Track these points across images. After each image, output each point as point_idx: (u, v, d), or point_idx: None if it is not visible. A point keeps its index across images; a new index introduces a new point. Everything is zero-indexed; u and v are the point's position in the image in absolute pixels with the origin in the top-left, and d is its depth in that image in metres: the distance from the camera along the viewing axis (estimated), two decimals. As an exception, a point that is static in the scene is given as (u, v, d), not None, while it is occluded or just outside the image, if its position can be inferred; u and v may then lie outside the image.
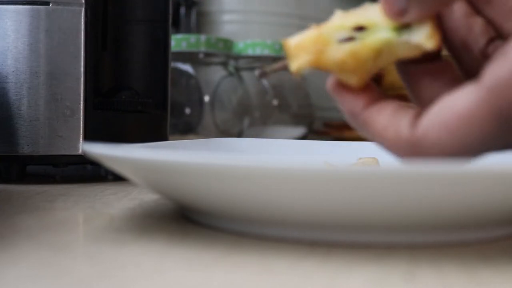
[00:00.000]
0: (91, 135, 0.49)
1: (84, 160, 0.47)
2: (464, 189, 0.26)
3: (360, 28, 0.29)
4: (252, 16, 1.03)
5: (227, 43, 0.89)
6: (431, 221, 0.28)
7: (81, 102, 0.49)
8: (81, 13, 0.48)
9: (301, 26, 1.04)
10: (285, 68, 0.30)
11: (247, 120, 0.91)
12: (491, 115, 0.26)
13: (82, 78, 0.49)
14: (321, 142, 0.54)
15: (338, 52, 0.28)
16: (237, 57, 0.93)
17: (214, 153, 0.47)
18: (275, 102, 0.94)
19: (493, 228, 0.30)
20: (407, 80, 0.31)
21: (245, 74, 0.93)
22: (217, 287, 0.22)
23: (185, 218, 0.34)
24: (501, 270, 0.25)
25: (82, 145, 0.41)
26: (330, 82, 0.30)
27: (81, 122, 0.49)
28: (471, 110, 0.26)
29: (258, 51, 0.92)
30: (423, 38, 0.28)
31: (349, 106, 0.30)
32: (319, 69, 0.29)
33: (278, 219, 0.28)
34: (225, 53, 0.89)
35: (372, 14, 0.29)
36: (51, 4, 0.48)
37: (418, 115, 0.29)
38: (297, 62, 0.29)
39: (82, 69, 0.48)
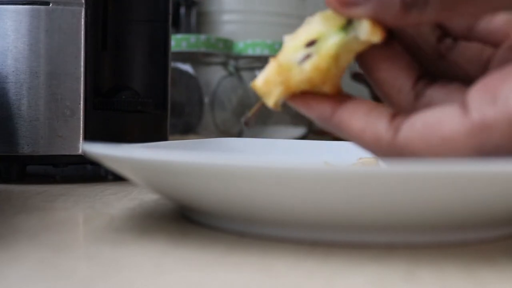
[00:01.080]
0: (91, 135, 0.49)
1: (84, 160, 0.47)
2: (464, 189, 0.26)
3: (311, 43, 0.29)
4: (252, 16, 1.03)
5: (227, 43, 0.89)
6: (431, 221, 0.28)
7: (81, 102, 0.49)
8: (81, 13, 0.48)
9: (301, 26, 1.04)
10: (262, 107, 0.31)
11: (247, 120, 0.91)
12: (473, 148, 0.27)
13: (82, 78, 0.48)
14: (321, 142, 0.54)
15: (302, 73, 0.29)
16: (237, 57, 0.93)
17: (214, 153, 0.47)
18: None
19: (493, 228, 0.30)
20: (367, 71, 0.31)
21: (245, 74, 0.93)
22: (217, 287, 0.22)
23: (185, 218, 0.34)
24: (501, 270, 0.25)
25: (82, 145, 0.41)
26: (282, 96, 0.30)
27: (81, 122, 0.49)
28: (455, 139, 0.27)
29: (258, 51, 0.92)
30: (368, 33, 0.29)
31: (317, 112, 0.30)
32: (294, 94, 0.30)
33: (278, 219, 0.28)
34: (225, 53, 0.89)
35: (316, 26, 0.30)
36: (51, 4, 0.48)
37: (394, 117, 0.29)
38: (272, 98, 0.30)
39: (82, 69, 0.48)
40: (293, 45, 0.30)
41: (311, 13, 0.32)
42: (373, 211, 0.27)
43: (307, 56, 0.29)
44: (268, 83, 0.29)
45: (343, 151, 0.50)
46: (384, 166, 0.25)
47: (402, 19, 0.28)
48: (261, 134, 0.91)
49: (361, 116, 0.29)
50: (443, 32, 0.32)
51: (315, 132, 0.95)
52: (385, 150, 0.29)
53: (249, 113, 0.31)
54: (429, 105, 0.30)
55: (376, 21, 0.29)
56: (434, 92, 0.31)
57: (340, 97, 0.30)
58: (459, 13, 0.28)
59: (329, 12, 0.30)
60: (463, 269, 0.25)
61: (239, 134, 0.89)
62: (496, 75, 0.28)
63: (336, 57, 0.29)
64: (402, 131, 0.28)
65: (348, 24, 0.29)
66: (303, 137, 0.94)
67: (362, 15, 0.28)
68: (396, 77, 0.30)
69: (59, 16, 0.48)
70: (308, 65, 0.29)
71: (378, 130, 0.29)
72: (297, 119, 0.95)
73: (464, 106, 0.27)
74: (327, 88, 0.30)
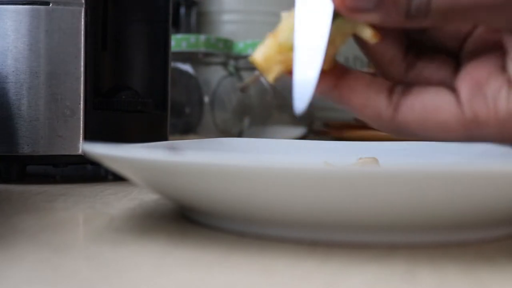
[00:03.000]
0: (91, 135, 0.49)
1: (84, 160, 0.47)
2: (464, 189, 0.26)
3: None
4: (252, 16, 1.03)
5: (227, 43, 0.88)
6: (431, 221, 0.28)
7: (81, 102, 0.49)
8: (81, 13, 0.48)
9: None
10: (258, 79, 0.32)
11: (247, 120, 0.91)
12: (464, 135, 0.31)
13: (82, 78, 0.48)
14: (321, 142, 0.54)
15: None
16: (237, 57, 0.93)
17: (214, 153, 0.47)
18: (275, 102, 0.94)
19: (493, 228, 0.30)
20: (362, 44, 0.32)
21: (245, 74, 0.93)
22: (217, 287, 0.22)
23: (185, 218, 0.34)
24: (501, 270, 0.25)
25: (82, 145, 0.41)
26: (281, 72, 0.31)
27: (81, 122, 0.49)
28: (448, 126, 0.30)
29: (258, 51, 0.92)
30: (370, 37, 0.30)
31: (318, 88, 0.31)
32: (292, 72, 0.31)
33: (278, 219, 0.28)
34: (225, 53, 0.89)
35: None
36: (51, 4, 0.48)
37: (392, 91, 0.31)
38: (272, 74, 0.31)
39: (82, 69, 0.48)
40: (290, 24, 0.30)
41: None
42: (373, 211, 0.27)
43: None
44: (268, 60, 0.31)
45: (343, 151, 0.50)
46: (384, 166, 0.25)
47: (403, 24, 0.30)
48: (261, 134, 0.91)
49: (361, 91, 0.31)
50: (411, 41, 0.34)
51: (315, 132, 0.95)
52: (385, 125, 0.31)
53: (247, 81, 0.31)
54: (419, 76, 0.32)
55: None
56: (423, 64, 0.33)
57: (339, 71, 0.31)
58: (455, 23, 0.31)
59: None
60: (463, 269, 0.25)
61: (239, 134, 0.89)
62: (481, 67, 0.31)
63: (332, 38, 0.30)
64: (401, 112, 0.31)
65: None
66: (303, 137, 0.94)
67: (368, 21, 0.30)
68: (387, 48, 0.32)
69: (59, 16, 0.48)
70: None
71: (378, 107, 0.31)
72: (297, 119, 0.95)
73: (457, 96, 0.30)
74: (323, 66, 0.30)
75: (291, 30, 0.30)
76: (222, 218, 0.30)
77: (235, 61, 0.93)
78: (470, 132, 0.30)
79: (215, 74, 0.89)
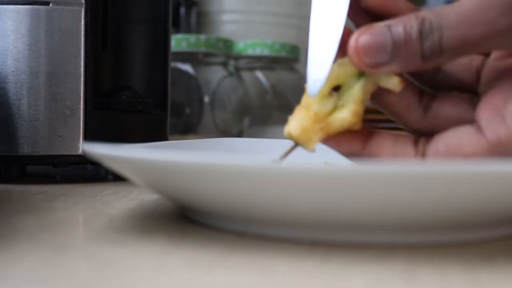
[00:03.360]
0: (91, 135, 0.49)
1: (84, 160, 0.47)
2: (464, 189, 0.26)
3: (336, 88, 0.33)
4: (252, 16, 1.03)
5: (227, 43, 0.88)
6: (431, 221, 0.28)
7: (81, 102, 0.48)
8: (81, 13, 0.48)
9: (301, 26, 1.04)
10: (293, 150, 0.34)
11: (247, 120, 0.91)
12: (493, 157, 0.31)
13: (82, 78, 0.48)
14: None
15: (344, 120, 0.32)
16: (237, 57, 0.93)
17: (214, 153, 0.47)
18: (275, 102, 0.94)
19: (493, 228, 0.30)
20: (377, 98, 0.34)
21: (245, 74, 0.93)
22: (217, 287, 0.22)
23: (185, 218, 0.34)
24: (501, 270, 0.25)
25: (82, 145, 0.41)
26: (320, 140, 0.33)
27: (81, 122, 0.49)
28: (476, 156, 0.31)
29: (258, 51, 0.92)
30: (396, 85, 0.32)
31: (348, 149, 0.33)
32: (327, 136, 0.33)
33: (278, 219, 0.28)
34: (225, 53, 0.89)
35: (334, 73, 0.32)
36: (51, 4, 0.48)
37: (417, 142, 0.33)
38: (312, 144, 0.32)
39: (82, 69, 0.48)
40: (321, 92, 0.32)
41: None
42: (373, 211, 0.27)
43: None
44: (306, 131, 0.32)
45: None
46: (384, 166, 0.25)
47: (422, 66, 0.31)
48: (261, 134, 0.91)
49: (389, 147, 0.33)
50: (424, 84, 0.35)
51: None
52: None
53: (284, 154, 0.33)
54: (437, 117, 0.34)
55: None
56: (439, 104, 0.34)
57: (366, 131, 0.33)
58: (470, 53, 0.33)
59: (343, 60, 0.32)
60: (463, 269, 0.25)
61: (239, 134, 0.89)
62: (497, 94, 0.32)
63: (361, 98, 0.32)
64: (429, 157, 0.32)
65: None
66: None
67: (389, 72, 0.32)
68: (403, 96, 0.34)
69: (59, 16, 0.48)
70: (347, 113, 0.32)
71: (407, 155, 0.33)
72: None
73: (477, 126, 0.32)
74: (357, 126, 0.32)
75: (321, 99, 0.32)
76: (222, 218, 0.30)
77: (235, 61, 0.93)
78: (497, 154, 0.31)
79: (215, 74, 0.89)
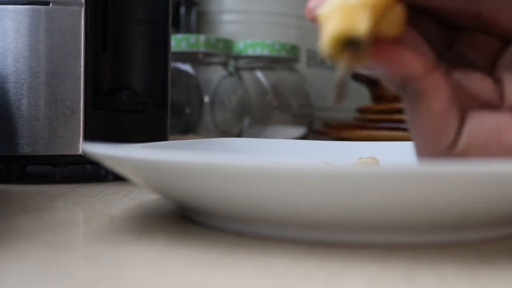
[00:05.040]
0: (91, 135, 0.49)
1: (84, 160, 0.47)
2: (464, 189, 0.26)
3: None
4: (252, 16, 1.03)
5: (227, 43, 0.88)
6: (431, 221, 0.28)
7: (81, 102, 0.49)
8: (81, 13, 0.48)
9: (301, 26, 1.04)
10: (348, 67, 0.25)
11: (247, 120, 0.91)
12: None
13: (82, 78, 0.49)
14: (321, 142, 0.54)
15: None
16: (237, 57, 0.93)
17: (214, 153, 0.47)
18: (275, 102, 0.94)
19: (493, 228, 0.30)
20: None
21: (245, 74, 0.93)
22: (217, 287, 0.22)
23: (185, 218, 0.34)
24: (501, 270, 0.25)
25: (82, 145, 0.41)
26: (373, 48, 0.27)
27: (81, 122, 0.49)
28: None
29: (258, 51, 0.92)
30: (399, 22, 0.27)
31: (406, 68, 0.27)
32: (381, 46, 0.26)
33: (278, 219, 0.28)
34: (225, 53, 0.89)
35: None
36: (51, 4, 0.48)
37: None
38: (361, 26, 0.25)
39: (82, 69, 0.48)
40: None
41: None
42: (373, 211, 0.27)
43: None
44: (348, 10, 0.25)
45: (343, 151, 0.50)
46: (384, 167, 0.25)
47: None
48: (261, 134, 0.91)
49: (443, 100, 0.28)
50: (449, 22, 0.31)
51: (315, 132, 0.95)
52: (441, 152, 0.29)
53: (339, 76, 0.25)
54: (458, 88, 0.29)
55: None
56: (459, 75, 0.30)
57: (432, 59, 0.28)
58: None
59: None
60: (463, 269, 0.25)
61: (239, 134, 0.89)
62: None
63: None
64: (462, 138, 0.29)
65: None
66: (303, 137, 0.94)
67: None
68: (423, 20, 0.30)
69: (59, 16, 0.48)
70: None
71: (438, 147, 0.29)
72: (297, 119, 0.95)
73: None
74: (395, 27, 0.26)
75: None
76: (222, 218, 0.30)
77: (235, 61, 0.93)
78: None
79: (215, 74, 0.89)
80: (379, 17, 0.26)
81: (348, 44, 0.25)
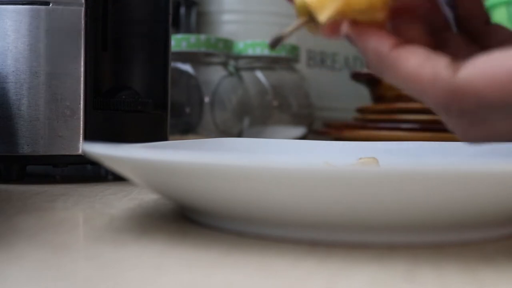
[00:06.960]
0: (91, 135, 0.49)
1: (84, 160, 0.47)
2: (464, 189, 0.26)
3: None
4: (252, 16, 1.03)
5: (227, 43, 0.88)
6: (431, 221, 0.28)
7: (81, 102, 0.49)
8: (81, 13, 0.48)
9: (301, 26, 1.04)
10: (300, 27, 0.29)
11: (247, 120, 0.91)
12: None
13: (82, 78, 0.48)
14: (321, 142, 0.54)
15: None
16: (237, 57, 0.93)
17: (214, 153, 0.47)
18: (275, 102, 0.94)
19: (493, 228, 0.30)
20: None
21: (245, 74, 0.93)
22: (217, 287, 0.22)
23: (185, 218, 0.34)
24: (501, 270, 0.25)
25: (82, 145, 0.41)
26: (346, 27, 0.29)
27: (81, 122, 0.49)
28: None
29: (258, 51, 0.92)
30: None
31: (375, 46, 0.29)
32: (344, 17, 0.28)
33: (278, 219, 0.28)
34: (225, 53, 0.89)
35: None
36: (51, 4, 0.48)
37: (455, 61, 0.28)
38: (325, 13, 0.28)
39: (82, 69, 0.48)
40: None
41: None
42: (373, 211, 0.27)
43: None
44: None
45: (343, 151, 0.50)
46: (384, 166, 0.25)
47: None
48: (261, 134, 0.91)
49: (420, 55, 0.29)
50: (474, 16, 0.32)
51: (315, 132, 0.95)
52: (442, 88, 0.28)
53: (286, 30, 0.28)
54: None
55: None
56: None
57: (400, 39, 0.29)
58: None
59: None
60: (463, 269, 0.25)
61: (239, 134, 0.89)
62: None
63: None
64: (463, 69, 0.27)
65: None
66: (303, 137, 0.94)
67: None
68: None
69: (59, 16, 0.48)
70: None
71: (438, 66, 0.28)
72: (297, 119, 0.95)
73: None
74: (380, 14, 0.28)
75: None
76: (222, 218, 0.30)
77: (235, 61, 0.93)
78: None
79: (215, 74, 0.89)
80: (355, 11, 0.28)
81: (308, 15, 0.28)
